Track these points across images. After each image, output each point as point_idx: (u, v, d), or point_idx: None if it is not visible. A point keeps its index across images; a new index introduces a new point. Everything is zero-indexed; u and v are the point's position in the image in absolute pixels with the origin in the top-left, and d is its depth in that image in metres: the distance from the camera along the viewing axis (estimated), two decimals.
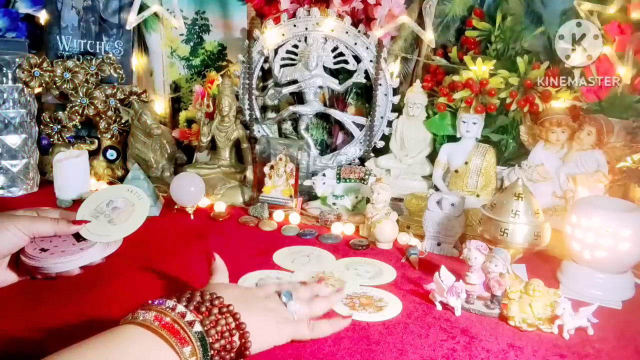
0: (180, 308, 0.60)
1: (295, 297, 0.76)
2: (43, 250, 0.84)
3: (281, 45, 1.38)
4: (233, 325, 0.63)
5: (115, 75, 1.46)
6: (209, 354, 0.60)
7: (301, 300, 0.76)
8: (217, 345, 0.61)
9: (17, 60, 1.35)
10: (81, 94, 1.43)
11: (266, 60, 1.40)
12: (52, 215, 0.86)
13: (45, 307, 0.81)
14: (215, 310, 0.63)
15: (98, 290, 0.86)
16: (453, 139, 1.28)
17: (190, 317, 0.60)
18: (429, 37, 1.27)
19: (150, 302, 0.62)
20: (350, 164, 1.38)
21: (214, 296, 0.65)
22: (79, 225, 0.85)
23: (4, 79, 1.33)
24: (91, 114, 1.44)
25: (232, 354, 0.63)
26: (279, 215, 1.24)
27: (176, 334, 0.58)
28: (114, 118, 1.46)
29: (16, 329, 0.75)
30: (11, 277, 0.84)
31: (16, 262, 0.84)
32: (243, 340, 0.64)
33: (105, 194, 0.92)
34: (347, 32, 1.32)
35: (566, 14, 1.21)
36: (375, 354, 0.72)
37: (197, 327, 0.59)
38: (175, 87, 1.58)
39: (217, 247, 1.07)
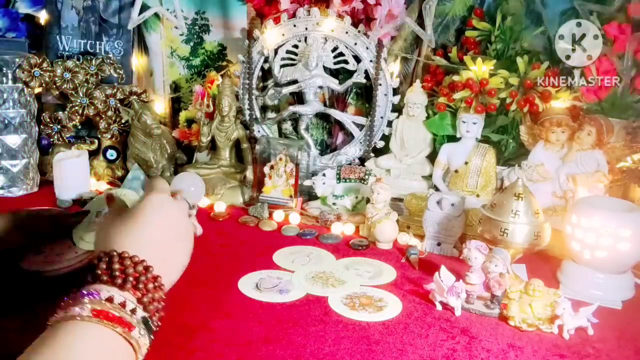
0: (119, 297, 0.56)
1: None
2: (39, 252, 0.84)
3: (281, 45, 1.38)
4: (163, 295, 0.61)
5: (115, 75, 1.46)
6: (152, 327, 0.58)
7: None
8: (156, 317, 0.59)
9: (17, 60, 1.35)
10: (81, 94, 1.43)
11: (266, 60, 1.40)
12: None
13: (45, 308, 0.81)
14: (151, 286, 0.59)
15: None
16: (453, 139, 1.28)
17: (130, 304, 0.56)
18: (429, 37, 1.27)
19: (82, 293, 0.56)
20: (350, 164, 1.38)
21: (146, 268, 0.60)
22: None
23: (4, 79, 1.33)
24: (91, 114, 1.44)
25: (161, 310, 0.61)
26: (279, 215, 1.24)
27: (121, 323, 0.54)
28: (114, 118, 1.46)
29: (13, 327, 0.75)
30: None
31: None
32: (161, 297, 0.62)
33: (90, 211, 0.91)
34: (347, 32, 1.32)
35: (566, 14, 1.21)
36: (375, 354, 0.72)
37: (140, 313, 0.57)
38: (175, 87, 1.58)
39: (217, 247, 1.08)
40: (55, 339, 0.52)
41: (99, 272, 0.58)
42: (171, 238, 0.68)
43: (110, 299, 0.55)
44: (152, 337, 0.57)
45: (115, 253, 0.60)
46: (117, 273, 0.58)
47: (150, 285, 0.59)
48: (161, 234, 0.66)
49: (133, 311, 0.56)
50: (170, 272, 0.65)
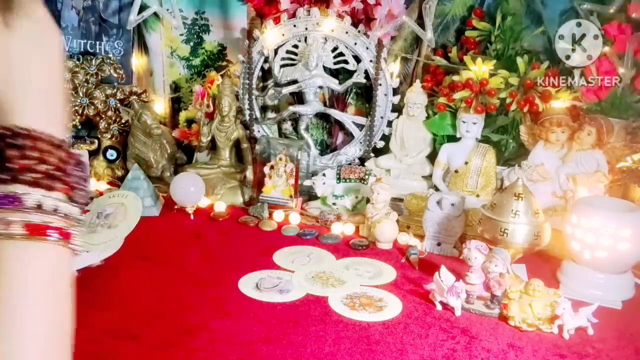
0: (50, 202, 0.40)
1: None
2: None
3: (281, 45, 1.38)
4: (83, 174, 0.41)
5: (115, 75, 1.46)
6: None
7: None
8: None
9: None
10: (81, 94, 1.43)
11: (266, 60, 1.40)
12: None
13: None
14: (77, 173, 0.41)
15: (98, 290, 0.86)
16: (453, 139, 1.28)
17: (65, 208, 0.41)
18: (428, 37, 1.27)
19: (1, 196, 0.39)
20: (350, 164, 1.38)
21: (70, 155, 0.41)
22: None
23: None
24: (91, 114, 1.44)
25: None
26: (279, 215, 1.24)
27: (61, 234, 0.40)
28: (114, 118, 1.46)
29: None
30: None
31: None
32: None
33: (90, 212, 0.92)
34: (347, 32, 1.32)
35: (566, 14, 1.21)
36: (375, 354, 0.72)
37: (73, 211, 0.42)
38: (175, 87, 1.58)
39: (217, 247, 1.08)
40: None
41: (15, 165, 0.39)
42: (53, 79, 0.43)
43: (39, 206, 0.40)
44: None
45: (20, 131, 0.39)
46: (40, 167, 0.40)
47: (77, 173, 0.42)
48: (47, 74, 0.43)
49: (67, 216, 0.41)
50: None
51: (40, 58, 0.42)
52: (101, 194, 1.34)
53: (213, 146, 1.47)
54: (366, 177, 1.27)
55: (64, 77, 0.45)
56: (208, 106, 1.42)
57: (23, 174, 0.40)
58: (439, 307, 0.86)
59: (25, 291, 0.40)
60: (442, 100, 1.27)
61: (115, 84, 1.47)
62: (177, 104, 1.59)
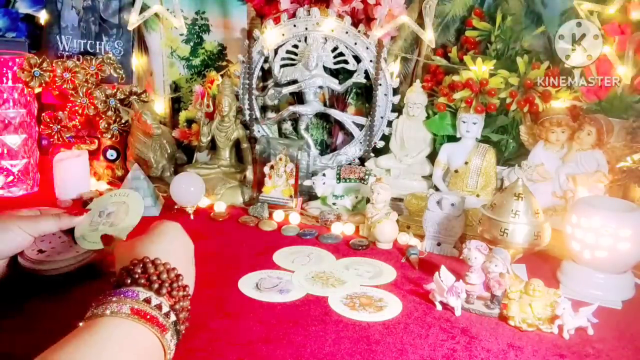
0: (155, 300, 0.60)
1: None
2: (40, 251, 0.84)
3: (281, 45, 1.38)
4: (189, 305, 0.66)
5: (115, 75, 1.46)
6: (180, 330, 0.62)
7: None
8: (183, 326, 0.63)
9: (17, 60, 1.35)
10: (81, 94, 1.43)
11: (266, 60, 1.40)
12: (48, 228, 0.87)
13: (43, 307, 0.81)
14: (182, 294, 0.64)
15: (98, 289, 0.86)
16: (453, 139, 1.28)
17: (165, 307, 0.60)
18: (429, 37, 1.27)
19: (119, 293, 0.59)
20: (350, 164, 1.38)
21: (178, 276, 0.65)
22: (80, 215, 0.87)
23: (4, 79, 1.33)
24: (91, 114, 1.44)
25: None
26: (279, 215, 1.24)
27: (157, 324, 0.58)
28: (114, 118, 1.46)
29: (10, 328, 0.75)
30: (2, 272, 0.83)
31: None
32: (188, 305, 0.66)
33: (92, 210, 0.91)
34: (347, 32, 1.32)
35: (566, 14, 1.21)
36: (375, 354, 0.72)
37: (172, 317, 0.60)
38: (175, 87, 1.58)
39: (217, 247, 1.08)
40: (91, 333, 0.54)
41: (136, 275, 0.62)
42: (188, 258, 0.75)
43: (147, 300, 0.59)
44: (179, 336, 0.61)
45: (148, 260, 0.64)
46: (154, 278, 0.62)
47: (181, 293, 0.64)
48: (183, 252, 0.74)
49: (167, 315, 0.59)
50: (190, 286, 0.69)
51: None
52: (101, 194, 1.34)
53: (213, 146, 1.47)
54: (366, 177, 1.27)
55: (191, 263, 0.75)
56: (208, 106, 1.42)
57: (139, 280, 0.61)
58: (439, 307, 0.86)
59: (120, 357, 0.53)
60: (442, 100, 1.27)
61: (115, 84, 1.47)
62: (177, 104, 1.59)
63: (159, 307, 0.59)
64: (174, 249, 0.71)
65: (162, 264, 0.65)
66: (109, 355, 0.52)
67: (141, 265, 0.64)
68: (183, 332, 0.62)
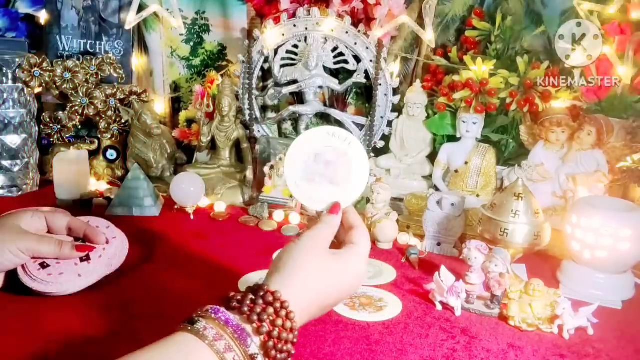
0: (254, 348, 0.54)
1: None
2: (43, 266, 0.82)
3: (281, 45, 1.38)
4: (292, 348, 0.58)
5: (115, 75, 1.46)
6: None
7: None
8: None
9: (17, 60, 1.35)
10: (81, 94, 1.43)
11: (266, 60, 1.40)
12: (60, 222, 0.86)
13: (42, 305, 0.81)
14: (284, 347, 0.56)
15: (97, 289, 0.86)
16: (453, 139, 1.28)
17: (253, 349, 0.54)
18: (429, 37, 1.27)
19: (215, 313, 0.55)
20: None
21: (292, 329, 0.58)
22: (82, 251, 0.85)
23: (4, 79, 1.33)
24: (91, 114, 1.44)
25: None
26: (279, 215, 1.24)
27: None
28: (114, 118, 1.46)
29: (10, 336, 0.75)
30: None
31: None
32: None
33: (305, 148, 0.72)
34: (347, 32, 1.32)
35: (566, 14, 1.21)
36: (375, 354, 0.72)
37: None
38: (175, 87, 1.58)
39: (217, 247, 1.08)
40: (174, 348, 0.53)
41: (255, 310, 0.56)
42: (333, 296, 0.65)
43: (239, 338, 0.54)
44: None
45: (266, 290, 0.58)
46: (259, 310, 0.56)
47: (283, 347, 0.56)
48: (326, 290, 0.63)
49: (253, 357, 0.54)
50: (305, 317, 0.62)
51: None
52: (101, 194, 1.34)
53: (213, 146, 1.47)
54: None
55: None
56: (208, 106, 1.42)
57: (243, 308, 0.56)
58: (439, 307, 0.86)
59: None
60: (442, 100, 1.27)
61: (115, 84, 1.47)
62: (177, 104, 1.59)
63: (245, 345, 0.54)
64: (316, 288, 0.62)
65: (286, 310, 0.57)
66: None
67: (265, 300, 0.57)
68: None
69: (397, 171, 1.33)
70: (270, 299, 0.57)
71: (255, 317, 0.56)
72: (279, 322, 0.57)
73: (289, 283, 0.61)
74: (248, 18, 1.50)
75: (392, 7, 1.29)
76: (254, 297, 0.58)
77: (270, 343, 0.56)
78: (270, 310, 0.57)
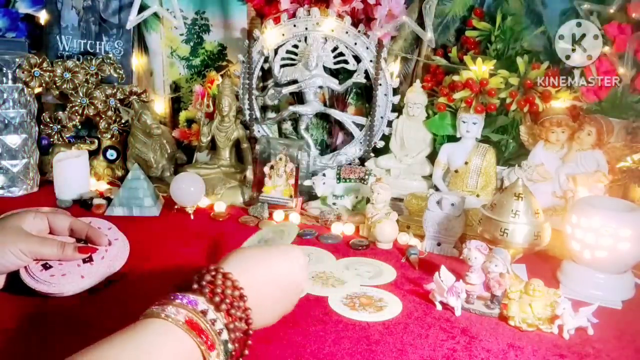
0: (211, 314, 0.58)
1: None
2: (45, 267, 0.82)
3: (281, 45, 1.38)
4: (245, 326, 0.63)
5: (115, 75, 1.46)
6: (230, 352, 0.59)
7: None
8: (233, 347, 0.60)
9: (17, 60, 1.35)
10: (81, 94, 1.43)
11: (266, 60, 1.40)
12: (62, 223, 0.86)
13: (44, 305, 0.81)
14: (239, 313, 0.61)
15: (99, 290, 0.86)
16: (453, 139, 1.28)
17: (219, 325, 0.58)
18: (429, 37, 1.27)
19: (180, 298, 0.59)
20: (350, 164, 1.38)
21: (242, 296, 0.62)
22: (85, 253, 0.85)
23: (4, 79, 1.33)
24: (91, 114, 1.44)
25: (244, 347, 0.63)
26: (279, 215, 1.24)
27: (207, 340, 0.57)
28: (114, 118, 1.46)
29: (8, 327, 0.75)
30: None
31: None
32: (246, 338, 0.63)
33: (254, 238, 0.95)
34: (347, 32, 1.32)
35: (566, 14, 1.21)
36: (375, 354, 0.73)
37: (224, 336, 0.59)
38: (175, 87, 1.58)
39: (217, 247, 1.08)
40: (142, 332, 0.55)
41: (203, 283, 0.61)
42: (280, 289, 0.70)
43: (204, 312, 0.58)
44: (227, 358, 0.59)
45: (221, 271, 0.63)
46: (219, 291, 0.60)
47: (239, 314, 0.61)
48: (275, 282, 0.69)
49: (219, 332, 0.58)
50: (261, 316, 0.66)
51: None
52: (101, 194, 1.34)
53: (213, 146, 1.47)
54: (366, 177, 1.27)
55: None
56: (208, 106, 1.42)
57: (204, 289, 0.60)
58: (439, 307, 0.86)
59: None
60: (442, 100, 1.27)
61: (115, 84, 1.47)
62: (177, 104, 1.59)
63: (212, 322, 0.58)
64: (263, 274, 0.68)
65: (231, 280, 0.62)
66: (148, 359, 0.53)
67: (212, 274, 0.62)
68: (233, 353, 0.59)
69: (397, 171, 1.33)
70: (213, 273, 0.62)
71: (203, 286, 0.61)
72: (224, 285, 0.62)
73: (228, 262, 0.67)
74: (248, 18, 1.50)
75: (392, 7, 1.29)
76: (198, 276, 0.62)
77: (220, 302, 0.60)
78: (219, 281, 0.62)
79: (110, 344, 0.53)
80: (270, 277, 0.68)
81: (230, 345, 0.59)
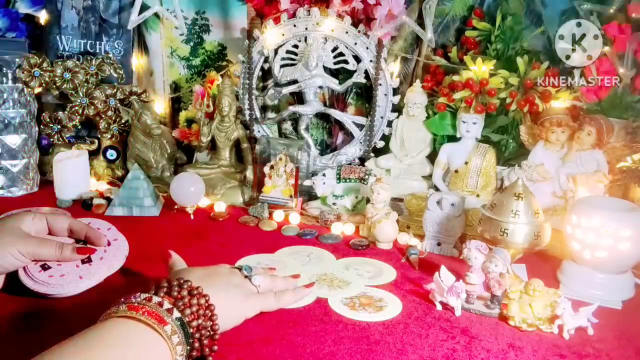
0: (156, 298, 0.62)
1: (255, 271, 0.81)
2: (44, 268, 0.82)
3: (281, 45, 1.38)
4: (205, 305, 0.66)
5: (115, 75, 1.46)
6: (190, 332, 0.62)
7: (262, 273, 0.81)
8: (194, 324, 0.63)
9: (17, 60, 1.35)
10: (81, 94, 1.43)
11: (266, 60, 1.40)
12: (61, 223, 0.87)
13: (43, 306, 0.81)
14: (185, 293, 0.65)
15: (97, 290, 0.86)
16: (453, 139, 1.28)
17: (167, 304, 0.62)
18: (429, 37, 1.27)
19: (122, 299, 0.63)
20: (350, 164, 1.38)
21: (182, 280, 0.67)
22: (83, 254, 0.85)
23: (4, 79, 1.33)
24: (91, 114, 1.44)
25: (209, 332, 0.66)
26: (279, 215, 1.24)
27: (157, 318, 0.60)
28: (114, 118, 1.46)
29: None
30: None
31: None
32: (211, 323, 0.66)
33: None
34: (347, 32, 1.32)
35: (566, 14, 1.21)
36: (375, 354, 0.72)
37: (176, 314, 0.61)
38: (175, 87, 1.58)
39: (217, 247, 1.08)
40: (87, 333, 0.57)
41: (160, 287, 0.65)
42: (229, 294, 0.74)
43: (148, 299, 0.61)
44: (190, 342, 0.62)
45: (181, 280, 0.67)
46: (175, 290, 0.65)
47: (185, 293, 0.65)
48: (224, 294, 0.72)
49: (169, 311, 0.61)
50: (223, 312, 0.69)
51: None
52: (101, 194, 1.34)
53: (213, 146, 1.47)
54: (366, 177, 1.27)
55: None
56: (208, 106, 1.42)
57: (153, 290, 0.64)
58: (439, 307, 0.86)
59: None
60: (442, 100, 1.27)
61: (115, 84, 1.47)
62: (177, 104, 1.59)
63: (159, 304, 0.61)
64: (205, 274, 0.74)
65: (177, 278, 0.67)
66: (98, 353, 0.55)
67: (169, 283, 0.66)
68: (197, 330, 0.63)
69: (397, 171, 1.33)
70: (175, 283, 0.66)
71: (165, 292, 0.64)
72: (184, 292, 0.65)
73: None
74: (248, 18, 1.50)
75: (392, 7, 1.29)
76: (156, 286, 0.66)
77: (168, 290, 0.65)
78: (165, 282, 0.66)
79: (59, 350, 0.55)
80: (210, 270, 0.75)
81: (190, 326, 0.62)
